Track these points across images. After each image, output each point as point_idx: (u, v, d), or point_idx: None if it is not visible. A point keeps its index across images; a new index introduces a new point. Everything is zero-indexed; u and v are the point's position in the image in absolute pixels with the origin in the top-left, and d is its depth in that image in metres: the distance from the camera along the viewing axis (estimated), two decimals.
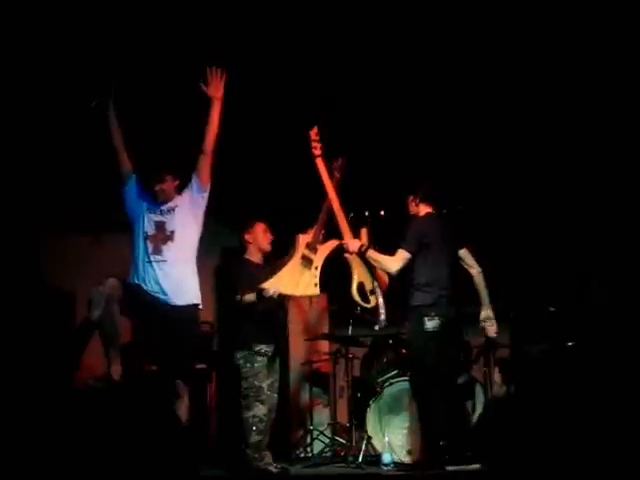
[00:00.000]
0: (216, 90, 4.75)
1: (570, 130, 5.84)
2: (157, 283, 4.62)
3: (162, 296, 4.61)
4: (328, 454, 6.14)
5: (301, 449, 6.32)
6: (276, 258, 5.29)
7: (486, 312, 5.06)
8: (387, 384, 5.68)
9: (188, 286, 4.70)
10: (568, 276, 5.58)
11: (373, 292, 5.06)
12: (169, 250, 4.67)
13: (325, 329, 6.84)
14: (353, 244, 5.02)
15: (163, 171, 4.79)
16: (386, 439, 5.53)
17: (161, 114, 5.66)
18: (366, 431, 5.63)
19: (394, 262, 4.91)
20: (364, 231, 5.23)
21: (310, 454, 6.25)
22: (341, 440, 6.07)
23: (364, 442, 5.59)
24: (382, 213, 5.40)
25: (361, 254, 5.00)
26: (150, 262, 4.65)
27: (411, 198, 5.13)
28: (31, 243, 5.97)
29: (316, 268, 5.04)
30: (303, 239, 5.10)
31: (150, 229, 4.72)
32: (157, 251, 4.66)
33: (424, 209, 5.09)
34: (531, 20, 5.25)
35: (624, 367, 4.57)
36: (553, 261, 5.97)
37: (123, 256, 4.86)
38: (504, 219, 6.14)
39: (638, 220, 5.54)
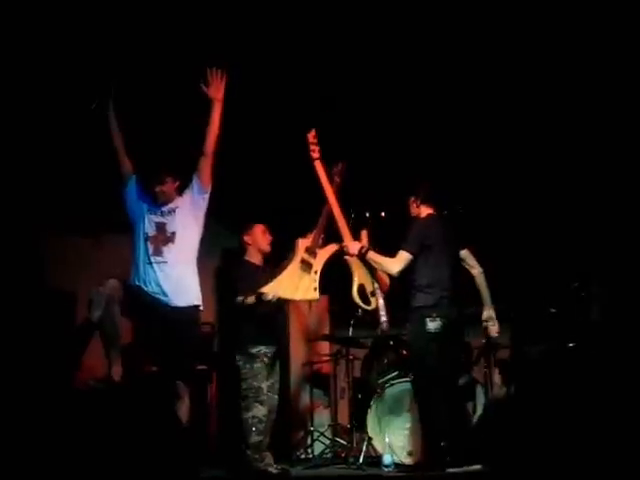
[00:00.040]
0: (217, 91, 4.74)
1: (570, 131, 5.84)
2: (158, 284, 4.61)
3: (163, 297, 4.61)
4: (329, 455, 6.14)
5: (302, 450, 6.32)
6: (276, 260, 5.28)
7: (488, 312, 5.06)
8: (388, 385, 5.68)
9: (189, 287, 4.70)
10: (568, 276, 5.57)
11: (374, 294, 5.06)
12: (170, 251, 4.67)
13: (326, 330, 6.85)
14: (353, 246, 5.02)
15: (163, 172, 4.78)
16: (387, 440, 5.52)
17: (161, 115, 5.66)
18: (367, 432, 5.64)
19: (395, 263, 4.90)
20: (364, 233, 5.23)
21: (311, 455, 6.25)
22: (342, 441, 6.08)
23: (365, 443, 5.59)
24: (383, 214, 5.39)
25: (361, 256, 5.00)
26: (151, 263, 4.65)
27: (412, 199, 5.12)
28: (32, 244, 5.96)
29: (315, 272, 5.04)
30: (302, 243, 5.10)
31: (151, 230, 4.71)
32: (158, 252, 4.66)
33: (425, 210, 5.08)
34: (531, 20, 5.25)
35: (624, 368, 4.56)
36: (553, 262, 5.97)
37: (124, 257, 4.86)
38: (505, 220, 6.15)
39: (638, 220, 5.54)
